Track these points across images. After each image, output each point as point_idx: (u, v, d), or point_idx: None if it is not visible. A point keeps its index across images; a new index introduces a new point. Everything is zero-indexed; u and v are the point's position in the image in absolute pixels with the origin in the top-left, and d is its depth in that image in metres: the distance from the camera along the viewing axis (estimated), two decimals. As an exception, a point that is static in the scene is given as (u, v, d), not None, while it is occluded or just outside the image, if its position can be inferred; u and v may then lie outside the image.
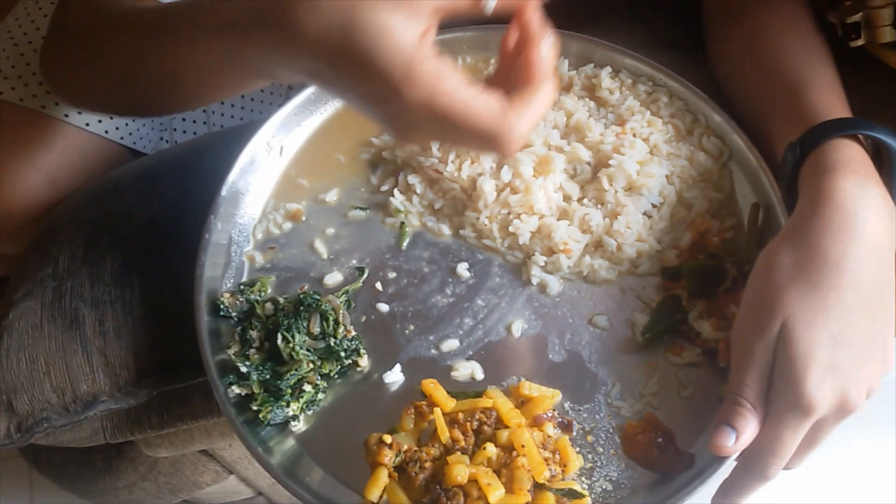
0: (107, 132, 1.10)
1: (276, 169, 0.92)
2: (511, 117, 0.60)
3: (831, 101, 0.81)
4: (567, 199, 0.86)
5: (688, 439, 0.77)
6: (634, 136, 0.88)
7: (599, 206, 0.85)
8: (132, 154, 1.16)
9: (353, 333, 0.81)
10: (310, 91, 0.92)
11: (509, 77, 0.65)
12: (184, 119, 1.23)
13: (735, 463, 0.73)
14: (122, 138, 1.12)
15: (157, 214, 0.92)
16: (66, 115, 1.07)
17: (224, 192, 0.86)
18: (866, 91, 0.88)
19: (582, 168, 0.87)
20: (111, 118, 1.10)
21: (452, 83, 0.59)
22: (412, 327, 0.83)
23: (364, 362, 0.81)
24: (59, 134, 1.07)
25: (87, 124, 1.09)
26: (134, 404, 0.85)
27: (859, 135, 0.76)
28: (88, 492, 1.14)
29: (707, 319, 0.79)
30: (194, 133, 1.24)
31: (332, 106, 0.94)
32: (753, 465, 0.70)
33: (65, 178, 1.07)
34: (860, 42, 0.89)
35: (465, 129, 0.60)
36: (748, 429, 0.69)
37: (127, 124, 1.12)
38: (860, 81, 0.87)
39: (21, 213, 1.04)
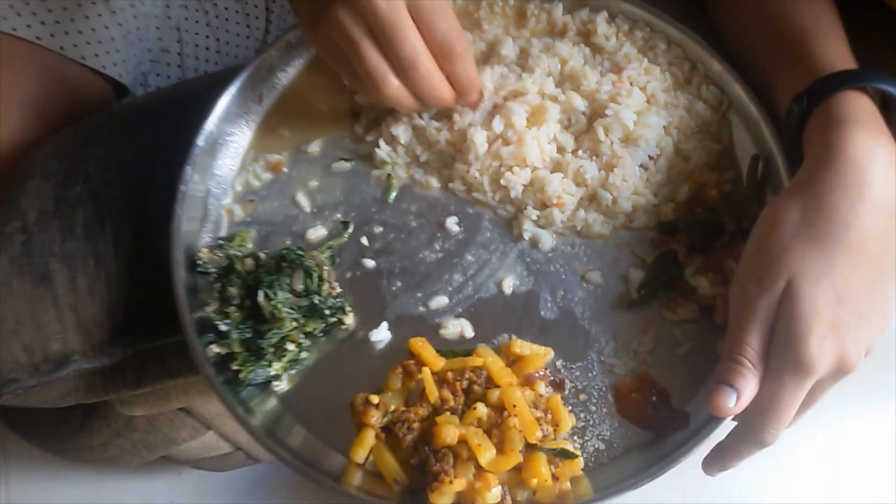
0: (84, 57, 1.05)
1: (255, 118, 0.88)
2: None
3: (838, 51, 0.77)
4: (561, 150, 0.83)
5: (683, 398, 0.75)
6: (631, 84, 0.84)
7: (594, 157, 0.82)
8: (114, 92, 1.11)
9: (338, 290, 0.78)
10: (290, 36, 0.88)
11: None
12: (158, 63, 1.17)
13: (731, 423, 0.71)
14: (103, 67, 1.06)
15: (131, 165, 0.88)
16: (38, 38, 1.01)
17: (201, 141, 0.82)
18: (869, 34, 0.84)
19: (577, 118, 0.84)
20: (88, 43, 1.04)
21: None
22: (399, 284, 0.80)
23: (349, 320, 0.78)
24: (32, 60, 1.01)
25: (62, 48, 1.03)
26: (108, 364, 0.82)
27: (868, 87, 0.73)
28: (62, 450, 1.11)
29: (704, 275, 0.77)
30: (168, 76, 1.19)
31: (314, 52, 0.90)
32: (752, 427, 0.68)
33: (46, 110, 1.02)
34: None
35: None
36: (748, 388, 0.67)
37: (108, 53, 1.06)
38: (862, 27, 0.83)
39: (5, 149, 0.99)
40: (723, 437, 0.72)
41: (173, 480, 1.36)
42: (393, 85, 0.76)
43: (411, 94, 0.78)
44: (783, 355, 0.66)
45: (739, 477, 1.05)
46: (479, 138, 0.81)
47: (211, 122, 0.83)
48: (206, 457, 1.32)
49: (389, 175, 0.85)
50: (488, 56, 0.88)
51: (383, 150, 0.85)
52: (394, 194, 0.84)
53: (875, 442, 1.30)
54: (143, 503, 1.34)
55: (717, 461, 0.73)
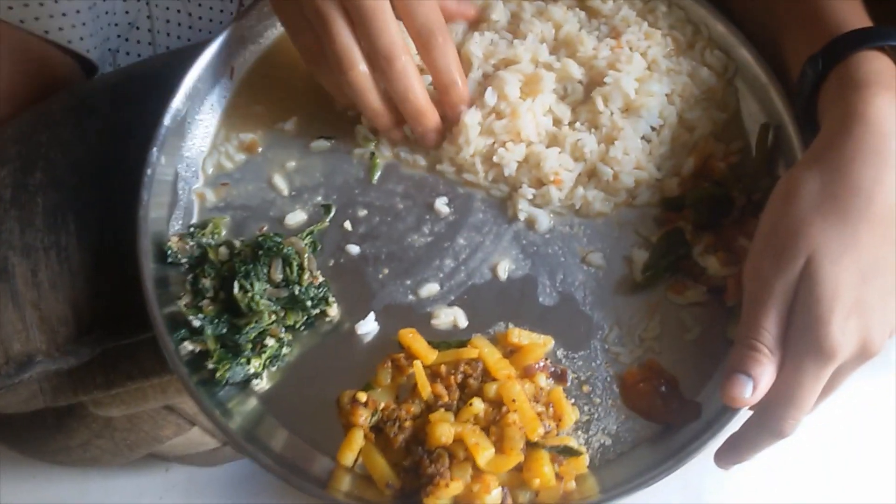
0: (47, 32, 0.98)
1: (226, 94, 0.83)
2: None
3: (851, 8, 0.72)
4: (557, 123, 0.78)
5: (693, 387, 0.71)
6: (631, 50, 0.79)
7: (593, 130, 0.77)
8: (82, 70, 1.05)
9: (321, 279, 0.74)
10: (263, 5, 0.82)
11: None
12: (127, 39, 1.11)
13: (746, 413, 0.66)
14: (69, 41, 1.00)
15: (95, 148, 0.83)
16: None
17: (167, 121, 0.77)
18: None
19: (573, 87, 0.78)
20: (51, 16, 0.98)
21: None
22: (386, 271, 0.75)
23: (333, 311, 0.74)
24: None
25: (22, 21, 0.96)
26: (75, 364, 0.78)
27: (887, 46, 0.67)
28: (39, 453, 1.08)
29: (713, 254, 0.72)
30: (138, 54, 1.12)
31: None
32: (769, 418, 0.64)
33: (7, 90, 0.96)
34: None
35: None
36: (766, 376, 0.62)
37: (74, 27, 1.00)
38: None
39: None
40: (737, 428, 0.67)
41: (160, 477, 1.34)
42: (360, 70, 0.71)
43: (383, 97, 0.74)
44: (803, 340, 0.61)
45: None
46: (472, 119, 0.75)
47: (178, 100, 0.78)
48: (192, 452, 1.28)
49: (373, 154, 0.79)
50: (477, 22, 0.82)
51: (365, 126, 0.79)
52: (378, 174, 0.79)
53: (876, 443, 1.28)
54: (130, 502, 1.32)
55: (730, 454, 0.68)
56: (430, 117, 0.75)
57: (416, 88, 0.73)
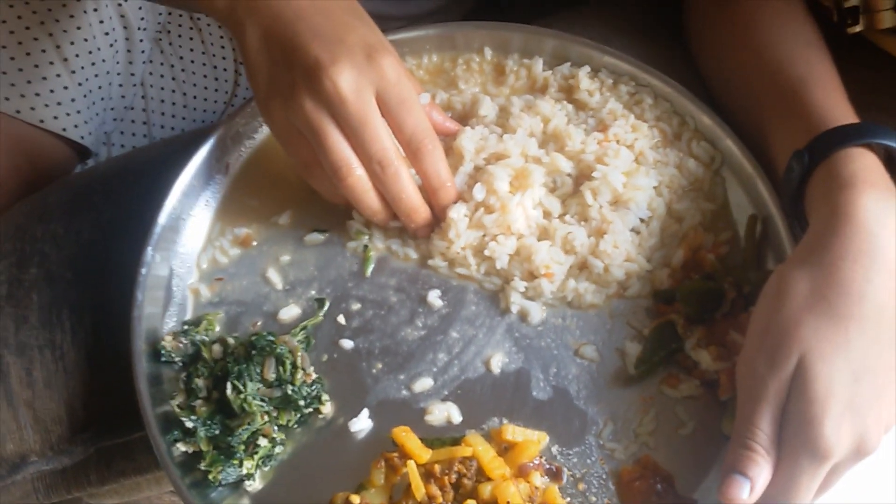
0: (42, 121, 0.99)
1: (221, 189, 0.83)
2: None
3: (836, 102, 0.74)
4: (547, 215, 0.78)
5: (689, 483, 0.70)
6: (618, 143, 0.80)
7: (583, 222, 0.77)
8: (77, 154, 1.06)
9: (314, 377, 0.73)
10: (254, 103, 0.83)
11: None
12: (122, 121, 1.12)
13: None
14: (63, 129, 1.01)
15: (89, 243, 0.83)
16: None
17: (162, 219, 0.78)
18: (862, 79, 0.80)
19: (562, 181, 0.79)
20: (46, 105, 0.99)
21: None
22: (380, 366, 0.75)
23: (327, 409, 0.73)
24: None
25: (18, 111, 0.98)
26: (68, 464, 0.78)
27: (872, 143, 0.68)
28: None
29: (706, 348, 0.72)
30: (133, 133, 1.13)
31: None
32: None
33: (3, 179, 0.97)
34: (858, 28, 0.82)
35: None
36: (762, 476, 0.62)
37: (69, 115, 1.01)
38: (854, 69, 0.79)
39: None
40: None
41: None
42: (358, 175, 0.72)
43: (378, 196, 0.74)
44: (797, 440, 0.61)
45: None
46: (458, 214, 0.76)
47: (173, 198, 0.79)
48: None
49: (367, 247, 0.80)
50: (466, 116, 0.83)
51: (358, 220, 0.80)
52: (371, 267, 0.79)
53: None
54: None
55: None
56: (423, 214, 0.76)
57: (409, 190, 0.74)
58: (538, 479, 0.69)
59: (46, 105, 1.00)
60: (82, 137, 1.04)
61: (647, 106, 0.83)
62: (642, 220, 0.78)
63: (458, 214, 0.76)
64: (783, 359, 0.62)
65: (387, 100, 0.71)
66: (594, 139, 0.80)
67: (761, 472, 0.62)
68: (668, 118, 0.83)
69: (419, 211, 0.76)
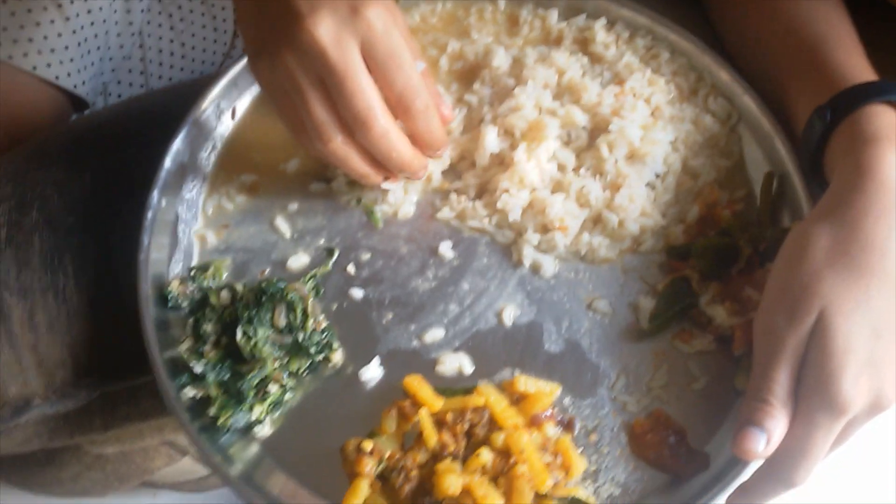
0: (35, 67, 0.98)
1: (227, 135, 0.81)
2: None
3: (857, 61, 0.73)
4: (562, 169, 0.77)
5: (702, 437, 0.70)
6: (635, 96, 0.79)
7: (598, 176, 0.77)
8: (72, 104, 1.04)
9: (324, 325, 0.72)
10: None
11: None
12: (118, 69, 1.10)
13: (755, 464, 0.66)
14: (56, 77, 0.99)
15: (91, 189, 0.81)
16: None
17: (168, 163, 0.76)
18: (872, 41, 0.80)
19: (577, 134, 0.78)
20: (39, 52, 0.96)
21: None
22: (391, 316, 0.74)
23: (337, 357, 0.72)
24: None
25: (10, 57, 0.95)
26: (72, 407, 0.77)
27: (894, 100, 0.68)
28: (28, 484, 1.07)
29: (721, 304, 0.72)
30: (130, 84, 1.11)
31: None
32: (781, 469, 0.63)
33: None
34: None
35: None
36: (778, 429, 0.62)
37: (62, 63, 0.99)
38: (867, 30, 0.78)
39: None
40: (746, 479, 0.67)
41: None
42: (337, 143, 0.68)
43: (366, 156, 0.71)
44: (815, 394, 0.61)
45: None
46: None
47: (179, 141, 0.77)
48: (182, 480, 1.27)
49: (359, 199, 0.79)
50: (479, 67, 0.82)
51: (341, 180, 0.79)
52: (379, 218, 0.78)
53: (875, 443, 1.27)
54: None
55: (741, 501, 0.67)
56: (417, 164, 0.73)
57: (399, 146, 0.70)
58: (551, 430, 0.69)
59: (39, 52, 0.98)
60: (75, 86, 1.02)
61: (663, 60, 0.83)
62: (658, 176, 0.78)
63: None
64: (803, 313, 0.62)
65: (373, 53, 0.65)
66: (610, 92, 0.79)
67: (777, 424, 0.62)
68: (685, 73, 0.83)
69: (413, 164, 0.72)
